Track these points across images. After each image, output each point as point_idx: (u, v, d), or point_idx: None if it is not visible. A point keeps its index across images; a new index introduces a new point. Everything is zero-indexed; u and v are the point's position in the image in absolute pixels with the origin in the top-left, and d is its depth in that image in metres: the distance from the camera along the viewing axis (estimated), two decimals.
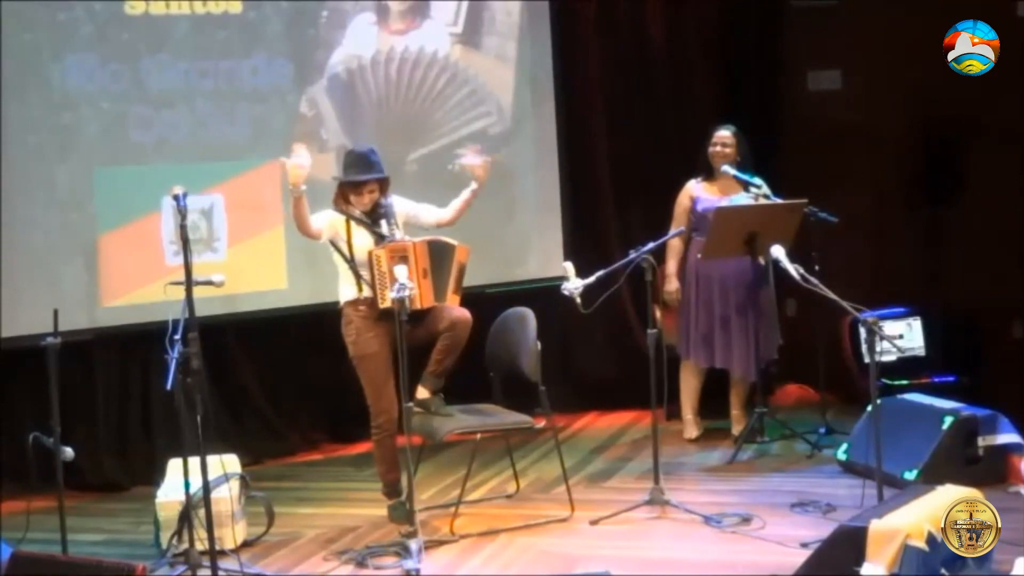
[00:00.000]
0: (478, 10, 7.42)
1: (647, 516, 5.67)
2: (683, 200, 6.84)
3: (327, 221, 5.57)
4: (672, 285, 6.85)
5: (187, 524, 4.91)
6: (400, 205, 5.73)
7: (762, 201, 6.58)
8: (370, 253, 5.46)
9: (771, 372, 7.24)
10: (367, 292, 5.52)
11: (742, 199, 6.70)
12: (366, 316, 5.55)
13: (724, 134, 6.78)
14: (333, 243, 5.59)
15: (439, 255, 5.58)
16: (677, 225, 6.72)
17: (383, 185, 5.62)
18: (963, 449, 5.76)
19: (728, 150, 6.73)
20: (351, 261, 5.55)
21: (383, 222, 5.58)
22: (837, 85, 8.07)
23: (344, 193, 5.60)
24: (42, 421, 5.00)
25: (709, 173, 6.83)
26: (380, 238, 5.53)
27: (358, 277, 5.54)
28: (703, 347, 6.81)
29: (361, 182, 5.53)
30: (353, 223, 5.57)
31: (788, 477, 6.24)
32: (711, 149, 6.78)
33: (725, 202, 6.69)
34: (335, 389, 7.25)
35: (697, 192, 6.81)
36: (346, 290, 5.63)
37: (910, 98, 7.68)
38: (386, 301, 5.35)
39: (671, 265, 6.85)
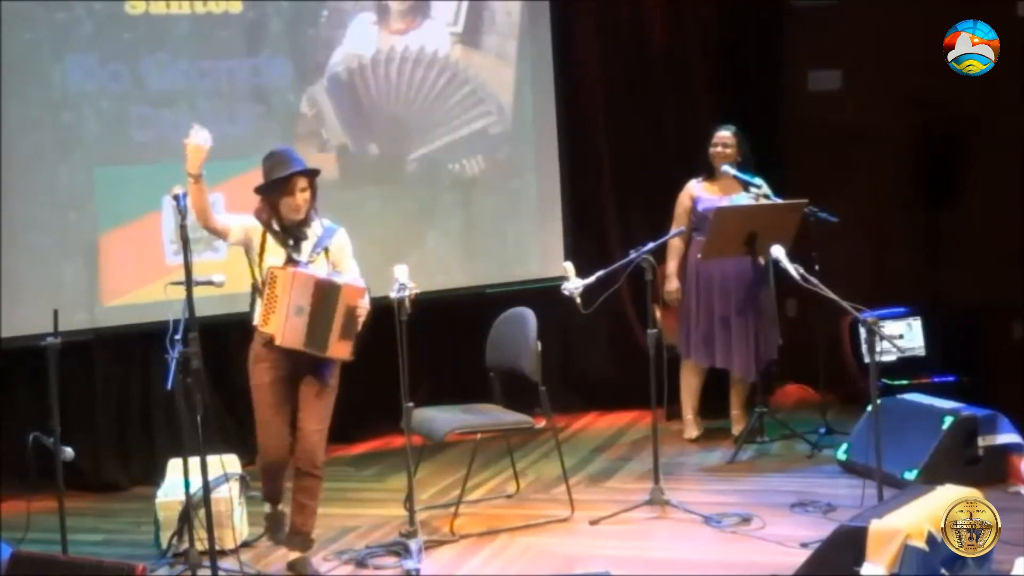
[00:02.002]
0: (478, 10, 7.42)
1: (647, 516, 5.67)
2: (684, 200, 6.84)
3: (242, 224, 5.06)
4: (672, 285, 6.86)
5: (187, 524, 4.91)
6: (341, 240, 5.19)
7: (762, 201, 6.58)
8: (269, 271, 4.94)
9: (771, 372, 7.24)
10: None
11: (743, 199, 6.70)
12: (262, 344, 5.04)
13: (724, 134, 6.78)
14: (247, 254, 5.10)
15: (322, 294, 4.94)
16: (678, 225, 6.72)
17: (313, 185, 5.06)
18: (963, 449, 5.77)
19: (729, 150, 6.73)
20: (253, 279, 5.06)
21: (304, 246, 5.05)
22: (837, 85, 8.07)
23: (271, 201, 5.01)
24: (42, 421, 5.00)
25: (710, 173, 6.83)
26: (291, 261, 5.00)
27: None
28: (703, 347, 6.81)
29: (287, 178, 4.96)
30: (270, 238, 5.03)
31: (788, 477, 6.24)
32: (712, 149, 6.78)
33: (726, 202, 6.69)
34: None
35: (698, 192, 6.81)
36: (254, 312, 5.08)
37: (910, 98, 7.68)
38: (268, 325, 4.93)
39: (671, 265, 6.85)
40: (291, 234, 5.04)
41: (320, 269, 5.06)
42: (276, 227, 5.04)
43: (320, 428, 5.12)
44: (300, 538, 5.16)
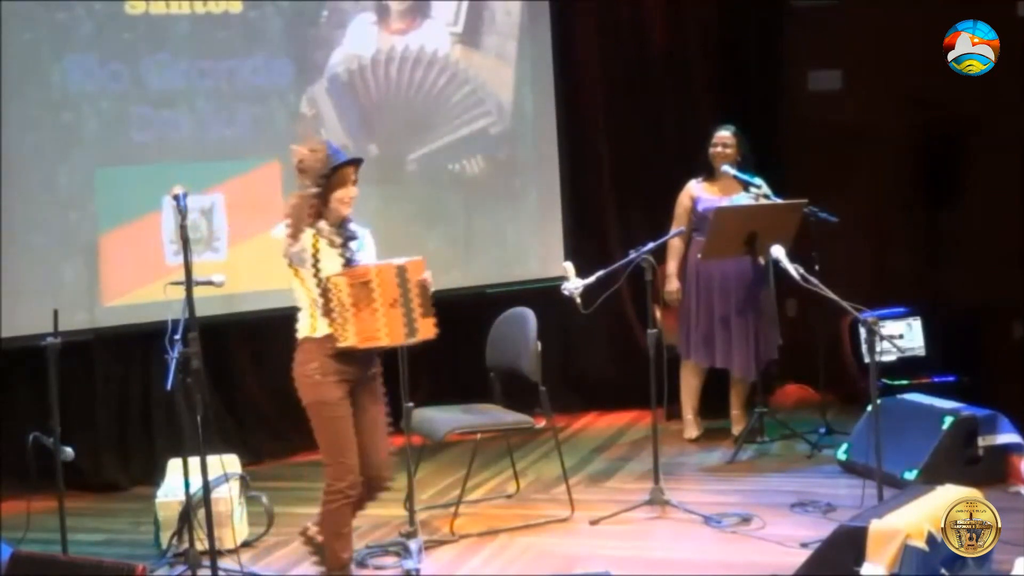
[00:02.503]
0: (478, 10, 7.42)
1: (647, 516, 5.67)
2: (684, 200, 6.84)
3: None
4: (672, 285, 6.85)
5: (187, 524, 4.90)
6: (370, 239, 4.92)
7: (762, 201, 6.58)
8: (328, 280, 4.62)
9: (771, 372, 7.24)
10: (332, 328, 4.64)
11: (743, 199, 6.70)
12: (330, 355, 4.66)
13: (724, 134, 6.78)
14: (294, 264, 4.69)
15: (403, 279, 4.70)
16: (678, 225, 6.72)
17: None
18: (963, 449, 5.77)
19: (729, 150, 6.73)
20: (320, 287, 4.66)
21: (354, 244, 4.76)
22: (837, 85, 8.07)
23: (323, 198, 4.67)
24: (42, 421, 5.00)
25: (710, 173, 6.83)
26: (347, 262, 4.70)
27: (326, 308, 4.64)
28: (703, 347, 6.81)
29: (342, 167, 4.69)
30: (322, 242, 4.68)
31: (788, 477, 6.24)
32: (712, 149, 6.78)
33: (726, 202, 6.69)
34: None
35: (698, 192, 6.82)
36: (311, 324, 4.70)
37: (910, 98, 7.68)
38: (347, 339, 4.61)
39: (671, 265, 6.85)
40: (345, 235, 4.74)
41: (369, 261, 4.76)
42: (326, 228, 4.69)
43: (388, 439, 4.87)
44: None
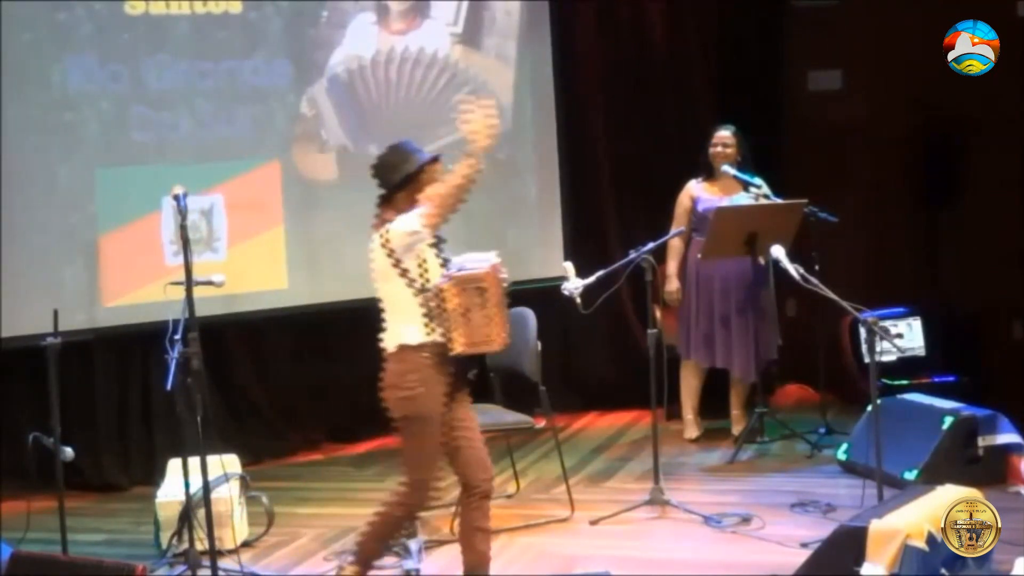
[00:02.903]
0: (478, 10, 7.42)
1: (647, 516, 5.67)
2: (684, 200, 6.84)
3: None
4: (672, 285, 6.85)
5: (187, 524, 4.90)
6: None
7: (762, 201, 6.59)
8: (438, 288, 4.41)
9: (771, 372, 7.24)
10: (439, 335, 4.42)
11: (743, 199, 6.70)
12: (432, 365, 4.44)
13: (724, 134, 6.78)
14: (401, 264, 4.45)
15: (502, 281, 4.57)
16: (678, 225, 6.72)
17: None
18: (963, 449, 5.76)
19: (729, 150, 6.74)
20: (423, 290, 4.44)
21: (442, 244, 4.59)
22: (837, 85, 8.07)
23: (411, 198, 4.49)
24: (42, 421, 5.00)
25: (710, 173, 6.83)
26: (444, 263, 4.52)
27: (428, 314, 4.43)
28: (704, 347, 6.81)
29: (428, 163, 4.53)
30: (423, 244, 4.47)
31: (788, 477, 6.24)
32: (712, 149, 6.78)
33: (726, 202, 6.69)
34: (335, 389, 7.26)
35: (698, 192, 6.82)
36: (411, 331, 4.44)
37: (910, 98, 7.68)
38: (457, 346, 4.39)
39: (671, 265, 6.85)
40: (438, 236, 4.54)
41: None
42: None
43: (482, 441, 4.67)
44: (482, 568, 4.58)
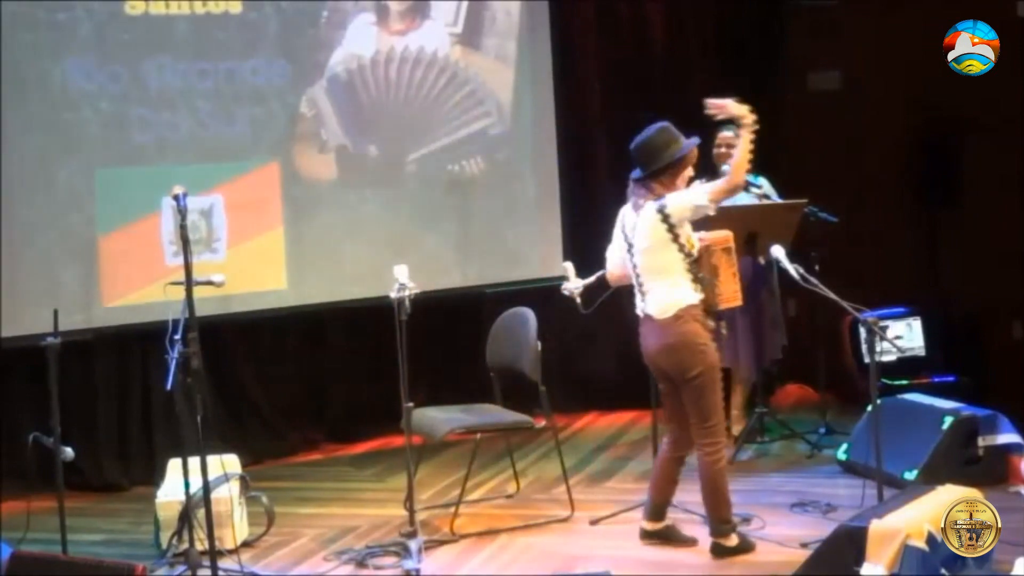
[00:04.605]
0: (478, 10, 7.42)
1: None
2: None
3: None
4: None
5: (187, 524, 4.90)
6: None
7: (763, 201, 6.59)
8: (703, 245, 5.05)
9: (771, 372, 7.24)
10: (705, 294, 5.01)
11: (744, 199, 6.70)
12: (705, 321, 5.05)
13: (727, 135, 6.77)
14: (676, 233, 5.00)
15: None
16: None
17: None
18: (963, 449, 5.76)
19: (731, 150, 6.72)
20: (692, 255, 5.02)
21: None
22: (837, 85, 8.07)
23: (679, 175, 5.10)
24: (42, 421, 5.00)
25: (712, 174, 6.83)
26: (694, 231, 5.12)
27: (695, 276, 5.02)
28: None
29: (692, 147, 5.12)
30: None
31: (788, 477, 6.24)
32: (715, 150, 6.78)
33: (726, 202, 6.68)
34: (335, 389, 7.27)
35: None
36: (688, 292, 5.01)
37: (910, 98, 7.68)
38: (718, 301, 5.03)
39: None
40: None
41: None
42: None
43: None
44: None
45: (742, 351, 6.73)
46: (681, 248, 4.99)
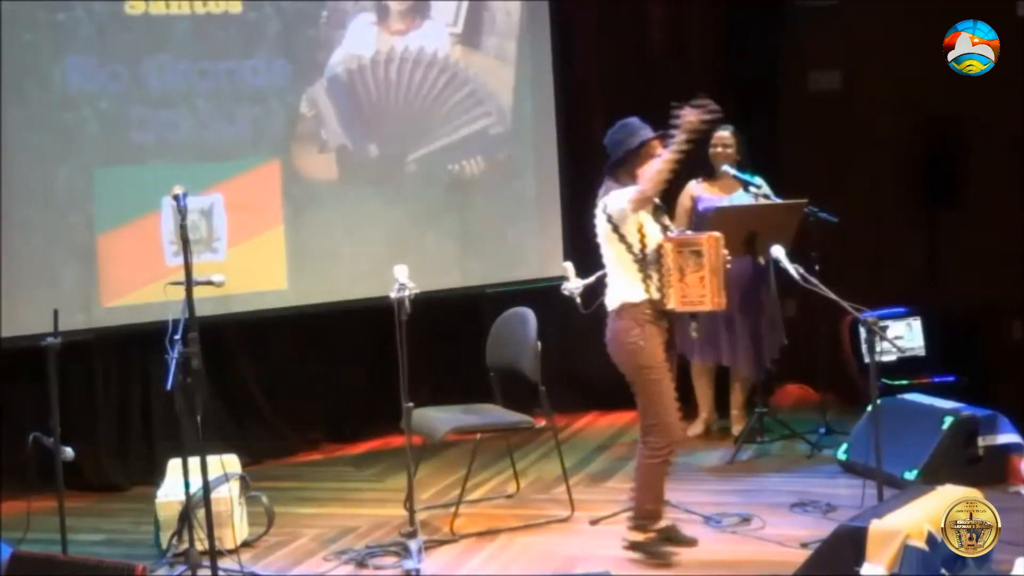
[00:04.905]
0: (478, 10, 7.42)
1: None
2: (684, 200, 6.85)
3: None
4: None
5: (187, 524, 4.90)
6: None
7: (762, 201, 6.59)
8: (659, 246, 4.97)
9: (771, 372, 7.24)
10: (655, 293, 5.00)
11: (742, 199, 6.71)
12: (652, 320, 5.02)
13: (723, 134, 6.79)
14: (620, 231, 5.01)
15: (720, 249, 5.01)
16: (678, 226, 6.71)
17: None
18: (963, 449, 5.77)
19: (729, 150, 6.74)
20: (642, 254, 4.99)
21: (661, 212, 5.14)
22: (837, 85, 8.07)
23: (632, 172, 5.03)
24: (42, 421, 5.00)
25: (709, 173, 6.84)
26: (664, 229, 5.07)
27: (645, 274, 5.01)
28: (708, 346, 6.80)
29: (647, 143, 5.07)
30: (643, 212, 5.02)
31: (788, 477, 6.24)
32: (711, 150, 6.78)
33: (726, 202, 6.70)
34: (335, 389, 7.28)
35: (698, 192, 6.82)
36: (631, 290, 5.02)
37: (910, 98, 7.68)
38: (672, 301, 4.98)
39: None
40: (659, 204, 5.08)
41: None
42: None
43: None
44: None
45: (740, 351, 6.74)
46: (628, 246, 5.00)
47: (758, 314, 6.68)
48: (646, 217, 5.01)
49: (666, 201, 7.22)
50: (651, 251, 4.98)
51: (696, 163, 6.84)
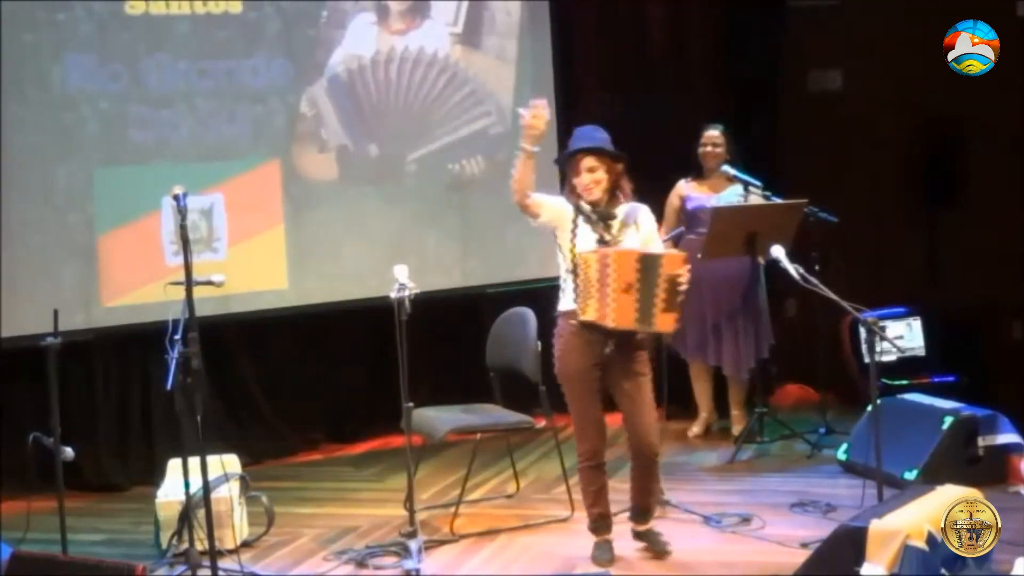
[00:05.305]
0: (478, 10, 7.42)
1: None
2: (673, 200, 6.86)
3: (555, 203, 4.99)
4: None
5: (187, 524, 4.90)
6: (647, 216, 5.11)
7: (754, 199, 6.59)
8: (576, 256, 4.88)
9: (770, 372, 7.24)
10: (576, 304, 4.90)
11: (731, 198, 6.70)
12: (575, 331, 4.93)
13: (713, 134, 6.80)
14: (557, 238, 5.00)
15: (646, 268, 4.81)
16: (668, 224, 6.72)
17: (612, 169, 4.98)
18: (963, 449, 5.77)
19: (719, 149, 6.75)
20: (572, 264, 4.92)
21: (614, 224, 4.97)
22: (837, 85, 8.07)
23: (570, 175, 5.02)
24: (42, 421, 5.00)
25: (699, 172, 6.84)
26: (601, 242, 4.93)
27: (574, 284, 4.91)
28: (700, 346, 6.81)
29: (571, 155, 5.00)
30: (581, 219, 4.95)
31: (788, 477, 6.24)
32: (702, 149, 6.80)
33: (714, 200, 6.70)
34: (335, 389, 7.27)
35: (687, 191, 6.84)
36: (564, 298, 5.00)
37: (910, 98, 7.68)
38: (587, 313, 4.82)
39: None
40: (600, 215, 4.96)
41: (633, 244, 4.96)
42: (585, 208, 4.96)
43: (654, 418, 5.13)
44: (646, 514, 5.23)
45: (727, 349, 6.75)
46: (562, 254, 5.00)
47: (747, 314, 6.68)
48: (584, 227, 4.94)
49: (655, 200, 7.31)
50: (572, 261, 4.91)
51: (686, 161, 6.87)
